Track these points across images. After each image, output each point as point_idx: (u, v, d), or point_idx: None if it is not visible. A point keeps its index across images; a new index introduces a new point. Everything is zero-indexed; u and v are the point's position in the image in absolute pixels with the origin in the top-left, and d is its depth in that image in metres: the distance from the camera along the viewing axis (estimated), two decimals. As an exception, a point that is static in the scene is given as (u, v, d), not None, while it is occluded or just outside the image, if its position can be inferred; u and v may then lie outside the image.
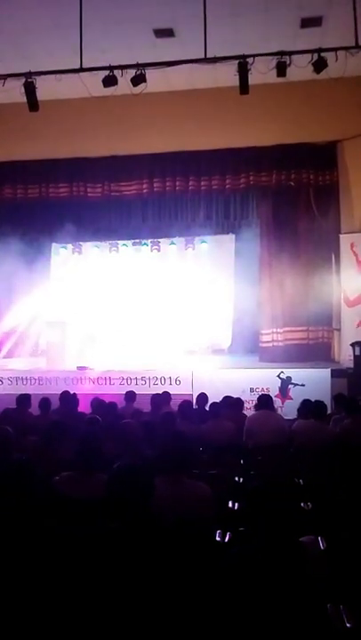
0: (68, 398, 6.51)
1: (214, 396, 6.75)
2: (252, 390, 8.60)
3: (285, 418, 6.45)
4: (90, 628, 2.10)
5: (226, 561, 2.32)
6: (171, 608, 2.11)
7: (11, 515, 2.38)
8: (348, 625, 2.10)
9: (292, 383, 8.87)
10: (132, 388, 8.18)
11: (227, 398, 6.78)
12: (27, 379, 9.49)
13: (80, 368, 9.89)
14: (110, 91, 7.56)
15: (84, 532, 2.46)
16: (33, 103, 7.78)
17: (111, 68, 7.48)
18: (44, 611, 2.14)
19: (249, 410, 6.97)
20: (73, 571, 2.26)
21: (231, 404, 6.57)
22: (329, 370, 8.99)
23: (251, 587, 2.15)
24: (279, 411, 7.48)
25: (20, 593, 2.19)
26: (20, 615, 2.13)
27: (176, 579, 2.20)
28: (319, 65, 7.39)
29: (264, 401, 5.85)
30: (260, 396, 6.21)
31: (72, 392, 7.11)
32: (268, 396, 6.31)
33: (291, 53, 7.41)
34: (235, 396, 6.97)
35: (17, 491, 2.44)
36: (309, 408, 5.76)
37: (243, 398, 7.85)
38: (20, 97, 7.73)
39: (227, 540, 2.94)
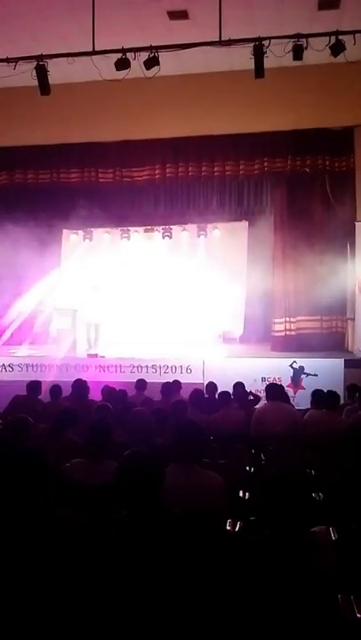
0: (81, 386, 6.50)
1: (225, 385, 6.71)
2: (263, 380, 8.56)
3: (297, 408, 6.39)
4: (98, 616, 2.09)
5: (236, 551, 2.32)
6: (180, 597, 2.11)
7: (21, 502, 2.37)
8: (358, 615, 2.09)
9: (305, 373, 8.82)
10: (143, 376, 8.17)
11: (237, 386, 6.74)
12: (37, 366, 9.51)
13: (90, 356, 9.90)
14: (123, 74, 7.48)
15: (93, 519, 2.47)
16: (44, 87, 7.74)
17: (124, 50, 7.41)
18: (52, 599, 2.13)
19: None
20: (82, 558, 2.26)
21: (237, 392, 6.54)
22: (342, 360, 8.93)
23: (261, 577, 2.15)
24: (291, 400, 7.42)
25: (28, 580, 2.18)
26: (29, 603, 2.13)
27: (186, 568, 2.20)
28: (337, 48, 7.26)
29: (273, 392, 5.76)
30: (267, 387, 6.10)
31: (84, 379, 7.11)
32: (278, 386, 6.23)
33: (308, 36, 7.31)
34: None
35: (28, 478, 2.43)
36: (322, 398, 5.70)
37: (254, 388, 7.83)
38: (32, 80, 7.70)
39: (237, 529, 2.93)
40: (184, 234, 12.29)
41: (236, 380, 7.01)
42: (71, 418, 4.53)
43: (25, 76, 7.60)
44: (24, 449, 2.70)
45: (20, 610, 2.11)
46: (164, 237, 12.40)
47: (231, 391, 6.48)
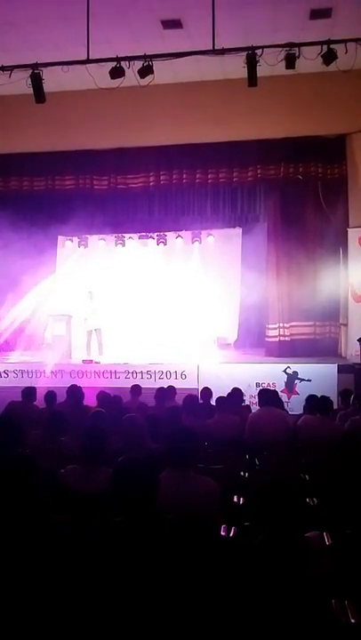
0: (75, 392, 6.51)
1: (220, 391, 6.73)
2: (257, 385, 8.57)
3: (291, 413, 6.41)
4: (93, 622, 2.09)
5: (230, 556, 2.32)
6: (175, 602, 2.11)
7: (15, 509, 2.38)
8: (352, 620, 2.09)
9: (299, 378, 8.84)
10: (138, 381, 8.17)
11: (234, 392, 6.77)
12: (32, 372, 9.50)
13: (86, 361, 9.90)
14: (117, 82, 7.53)
15: (88, 525, 2.47)
16: (39, 95, 7.77)
17: (118, 59, 7.45)
18: (48, 605, 2.13)
19: (255, 405, 6.94)
20: (77, 565, 2.26)
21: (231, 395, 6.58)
22: (336, 365, 8.94)
23: (255, 582, 2.15)
24: (286, 406, 7.45)
25: (24, 587, 2.18)
26: (24, 609, 2.13)
27: (180, 573, 2.20)
28: (328, 57, 7.34)
29: (266, 397, 5.78)
30: (260, 392, 6.12)
31: (78, 385, 7.11)
32: (270, 391, 6.25)
33: (300, 45, 7.37)
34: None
35: (21, 485, 2.43)
36: (315, 403, 5.73)
37: (249, 393, 7.85)
38: (27, 88, 7.72)
39: (232, 535, 2.92)
40: (178, 240, 12.32)
41: (231, 386, 7.03)
42: (63, 421, 4.51)
43: (20, 84, 7.64)
44: (15, 455, 2.71)
45: (17, 615, 2.11)
46: (158, 244, 12.44)
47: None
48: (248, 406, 7.07)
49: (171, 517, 2.43)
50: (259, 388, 8.12)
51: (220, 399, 6.16)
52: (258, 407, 6.04)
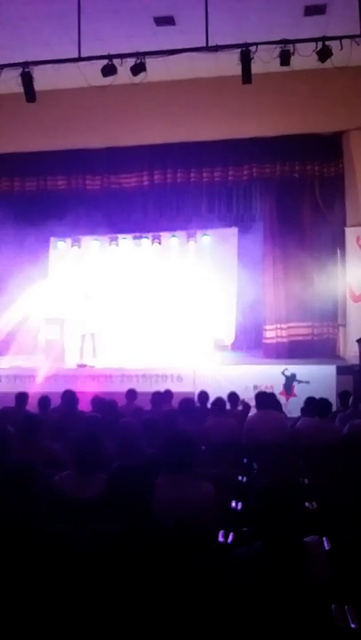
0: (70, 397, 6.40)
1: (217, 394, 6.62)
2: (255, 387, 8.50)
3: (290, 416, 6.33)
4: (90, 628, 2.09)
5: (229, 562, 2.31)
6: (172, 609, 2.11)
7: (11, 515, 2.37)
8: (352, 625, 2.08)
9: (297, 380, 8.78)
10: (133, 385, 8.05)
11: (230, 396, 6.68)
12: (25, 377, 9.38)
13: (80, 366, 9.79)
14: (109, 80, 7.47)
15: (83, 532, 2.47)
16: (30, 93, 7.72)
17: (110, 57, 7.38)
18: (43, 612, 2.13)
19: (253, 408, 6.84)
20: (72, 572, 2.26)
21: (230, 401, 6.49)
22: (334, 366, 8.91)
23: (254, 588, 2.13)
24: (283, 408, 7.35)
25: (20, 594, 2.17)
26: (20, 616, 2.12)
27: (178, 580, 2.20)
28: (323, 54, 7.27)
29: (263, 400, 5.71)
30: (257, 396, 6.05)
31: (72, 390, 7.00)
32: (267, 394, 6.18)
33: (294, 42, 7.30)
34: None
35: (18, 492, 2.40)
36: (314, 406, 5.64)
37: (246, 396, 7.75)
38: (18, 87, 7.67)
39: (229, 540, 2.90)
40: (173, 240, 12.24)
41: (228, 389, 6.95)
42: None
43: (11, 82, 7.58)
44: (14, 462, 2.65)
45: (15, 621, 2.10)
46: (153, 244, 12.35)
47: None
48: (248, 405, 6.92)
49: (167, 524, 2.44)
50: (256, 391, 8.02)
51: (216, 402, 6.07)
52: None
